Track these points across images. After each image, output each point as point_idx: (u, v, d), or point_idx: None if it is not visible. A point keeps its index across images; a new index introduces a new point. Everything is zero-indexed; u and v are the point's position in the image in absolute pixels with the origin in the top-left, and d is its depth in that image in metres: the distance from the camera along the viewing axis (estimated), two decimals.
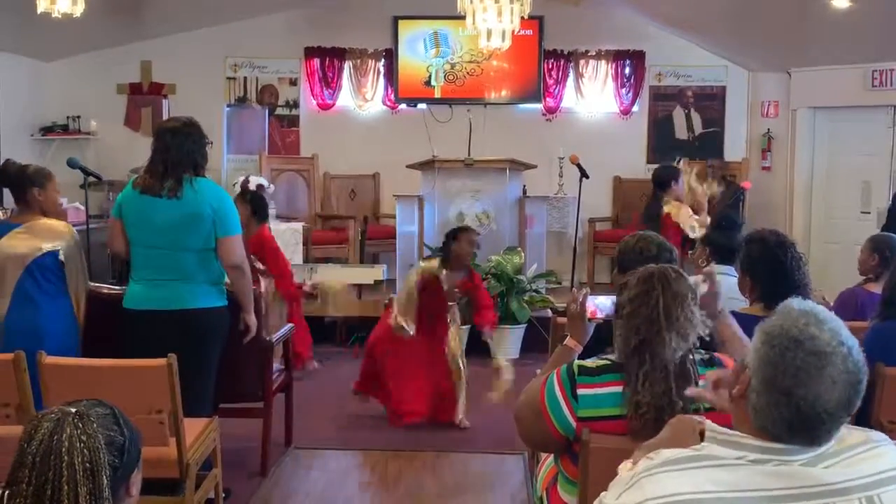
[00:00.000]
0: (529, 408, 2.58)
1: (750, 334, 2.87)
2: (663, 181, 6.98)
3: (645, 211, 7.10)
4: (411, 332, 5.44)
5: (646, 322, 2.43)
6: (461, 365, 5.60)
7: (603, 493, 1.69)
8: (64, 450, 1.60)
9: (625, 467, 1.79)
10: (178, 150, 3.99)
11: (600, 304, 2.78)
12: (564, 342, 2.86)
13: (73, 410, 1.66)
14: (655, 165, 9.60)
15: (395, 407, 5.55)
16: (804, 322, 1.62)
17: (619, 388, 2.46)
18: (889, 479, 1.62)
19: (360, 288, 7.97)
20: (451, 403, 5.57)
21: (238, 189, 6.22)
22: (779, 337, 1.62)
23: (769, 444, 1.62)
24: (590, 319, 2.82)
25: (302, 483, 4.71)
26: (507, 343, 7.31)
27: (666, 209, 6.61)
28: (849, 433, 1.68)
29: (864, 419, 3.24)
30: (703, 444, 1.68)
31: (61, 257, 4.12)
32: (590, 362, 2.55)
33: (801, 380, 1.59)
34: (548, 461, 2.88)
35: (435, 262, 5.62)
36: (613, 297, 2.66)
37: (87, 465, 1.61)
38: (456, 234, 5.62)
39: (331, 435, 5.46)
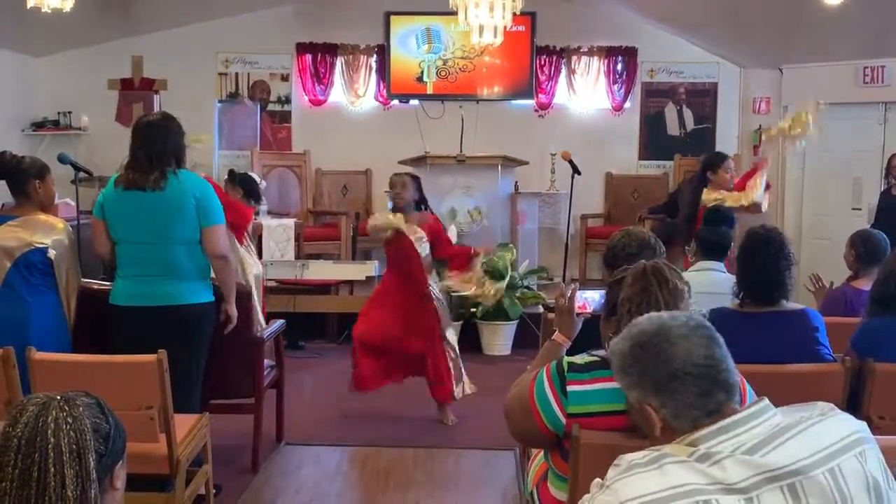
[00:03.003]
0: (519, 404, 2.58)
1: (738, 331, 2.88)
2: (704, 167, 6.88)
3: (684, 199, 6.94)
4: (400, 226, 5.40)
5: None
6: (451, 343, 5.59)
7: (585, 496, 1.72)
8: (50, 431, 1.58)
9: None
10: (163, 143, 3.99)
11: (589, 299, 2.78)
12: (552, 337, 2.86)
13: (59, 396, 1.65)
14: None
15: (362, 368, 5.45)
16: (627, 336, 1.83)
17: (609, 385, 2.44)
18: (843, 449, 1.66)
19: (352, 284, 7.98)
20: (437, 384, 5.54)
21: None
22: (629, 356, 1.81)
23: (700, 432, 1.69)
24: (578, 314, 2.82)
25: (293, 479, 4.71)
26: (498, 339, 7.33)
27: (703, 199, 6.54)
28: (789, 412, 1.72)
29: (854, 415, 3.24)
30: (658, 446, 1.72)
31: (50, 255, 4.06)
32: (579, 359, 2.54)
33: (666, 357, 1.74)
34: (538, 457, 2.88)
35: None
36: (602, 292, 2.65)
37: (74, 446, 1.59)
38: None
39: (322, 431, 5.45)
